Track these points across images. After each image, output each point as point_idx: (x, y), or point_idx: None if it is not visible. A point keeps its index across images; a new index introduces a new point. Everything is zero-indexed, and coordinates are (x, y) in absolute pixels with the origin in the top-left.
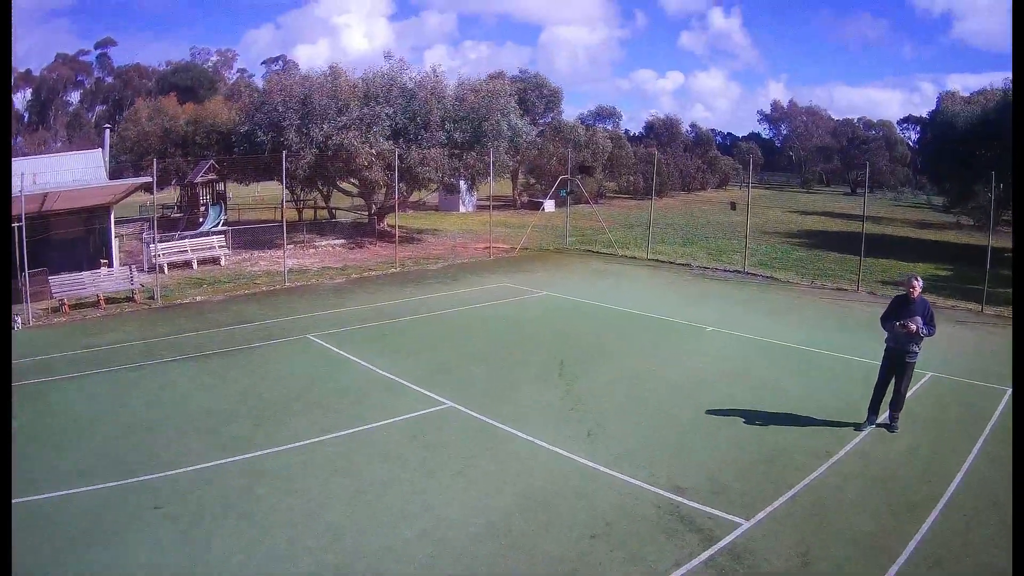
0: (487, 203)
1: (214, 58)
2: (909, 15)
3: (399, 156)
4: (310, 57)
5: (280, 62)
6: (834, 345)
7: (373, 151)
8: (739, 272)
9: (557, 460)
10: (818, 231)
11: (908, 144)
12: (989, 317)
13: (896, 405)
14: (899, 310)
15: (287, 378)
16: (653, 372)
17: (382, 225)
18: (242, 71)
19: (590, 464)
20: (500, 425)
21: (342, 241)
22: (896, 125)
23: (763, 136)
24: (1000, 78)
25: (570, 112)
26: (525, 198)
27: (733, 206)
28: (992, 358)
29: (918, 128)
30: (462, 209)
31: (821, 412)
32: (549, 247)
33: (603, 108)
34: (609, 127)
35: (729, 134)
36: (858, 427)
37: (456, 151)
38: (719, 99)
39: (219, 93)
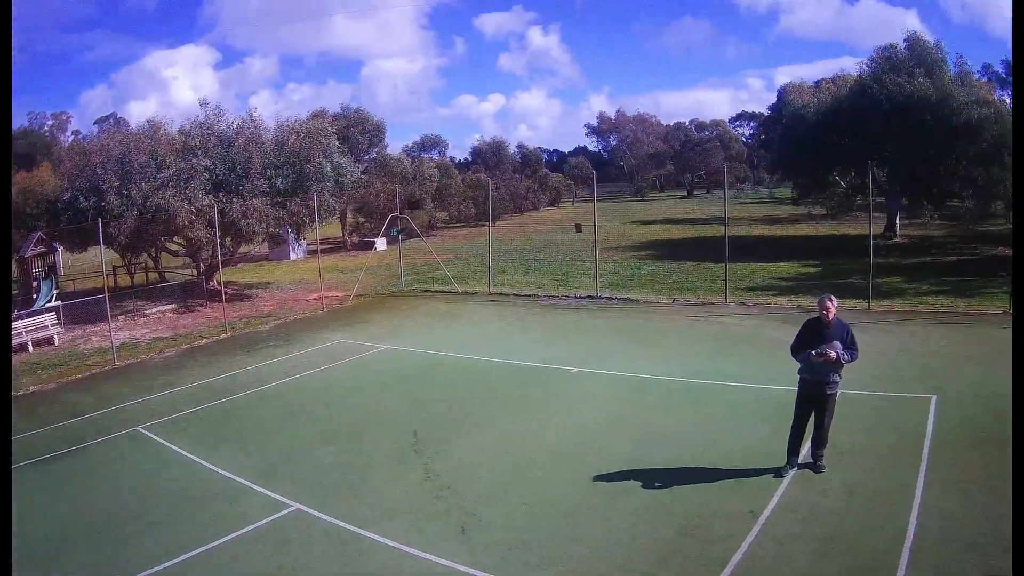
0: (321, 247)
1: (49, 122)
2: (732, 14)
3: (220, 211)
4: (142, 113)
5: (111, 120)
6: (722, 372)
7: (192, 208)
8: (592, 297)
9: (431, 572)
10: (663, 241)
11: (743, 141)
12: (879, 314)
13: (820, 442)
14: (813, 337)
15: (120, 489)
16: (522, 434)
17: (211, 284)
18: (76, 133)
19: (471, 572)
20: (357, 530)
21: (172, 306)
22: (729, 124)
23: (590, 149)
24: (830, 65)
25: (395, 145)
26: (356, 238)
27: (578, 228)
28: (903, 361)
29: (752, 124)
30: (292, 257)
31: (730, 460)
32: (385, 291)
33: (428, 138)
34: (435, 156)
35: (556, 151)
36: (778, 473)
37: (279, 199)
38: (542, 117)
39: (53, 157)
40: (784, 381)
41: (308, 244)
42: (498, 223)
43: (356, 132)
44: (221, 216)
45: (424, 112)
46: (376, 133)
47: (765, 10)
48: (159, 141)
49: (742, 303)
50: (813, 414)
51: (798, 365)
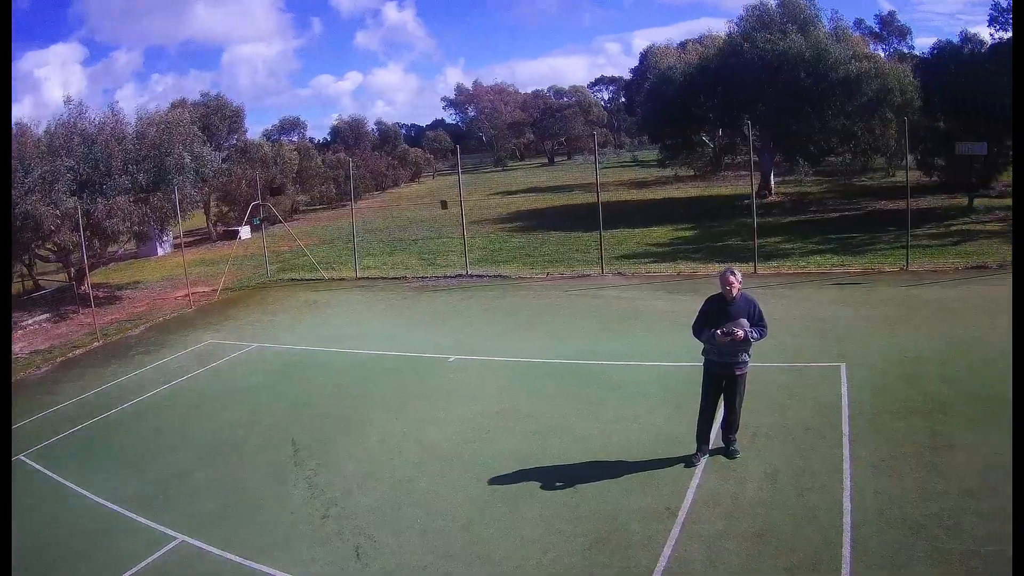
0: (186, 239)
1: None
2: None
3: (85, 212)
4: (18, 117)
5: None
6: (610, 352)
7: (58, 212)
8: (461, 276)
9: None
10: (529, 211)
11: (603, 105)
12: (768, 278)
13: (731, 427)
14: (716, 315)
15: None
16: (405, 436)
17: (82, 289)
18: None
19: None
20: (248, 563)
21: (47, 315)
22: (588, 89)
23: (448, 122)
24: (691, 27)
25: (255, 130)
26: (221, 228)
27: (444, 205)
28: (803, 328)
29: (611, 88)
30: (160, 252)
31: (633, 450)
32: (251, 283)
33: (286, 120)
34: (295, 139)
35: (414, 125)
36: (689, 462)
37: (142, 195)
38: (399, 93)
39: None
40: (677, 357)
41: (175, 238)
42: (360, 203)
43: (216, 119)
44: (86, 218)
45: (284, 95)
46: (235, 119)
47: None
48: (26, 144)
49: (619, 273)
50: (722, 397)
51: (699, 345)
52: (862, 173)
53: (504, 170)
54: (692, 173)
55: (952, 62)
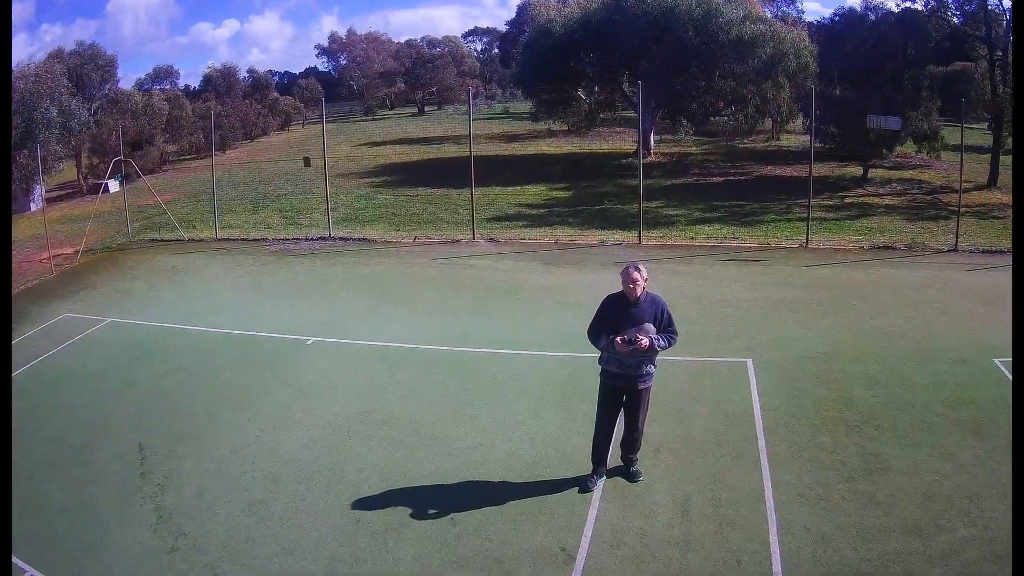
0: (55, 195)
1: None
2: None
3: None
4: None
5: None
6: (487, 336)
7: None
8: (324, 239)
9: None
10: (397, 164)
11: (476, 56)
12: (654, 250)
13: (632, 446)
14: (617, 318)
15: None
16: (261, 442)
17: None
18: None
19: None
20: None
21: None
22: (461, 40)
23: (321, 70)
24: None
25: (131, 78)
26: (91, 181)
27: (307, 162)
28: (700, 314)
29: (485, 39)
30: (32, 208)
31: (518, 468)
32: (113, 243)
33: (160, 69)
34: (167, 87)
35: (287, 73)
36: (584, 486)
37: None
38: (274, 40)
39: None
40: (563, 345)
41: (46, 191)
42: (229, 152)
43: (89, 69)
44: None
45: (164, 42)
46: (108, 68)
47: None
48: None
49: (492, 239)
50: (622, 413)
51: (586, 342)
52: (746, 135)
53: (373, 119)
54: (566, 128)
55: (854, 29)
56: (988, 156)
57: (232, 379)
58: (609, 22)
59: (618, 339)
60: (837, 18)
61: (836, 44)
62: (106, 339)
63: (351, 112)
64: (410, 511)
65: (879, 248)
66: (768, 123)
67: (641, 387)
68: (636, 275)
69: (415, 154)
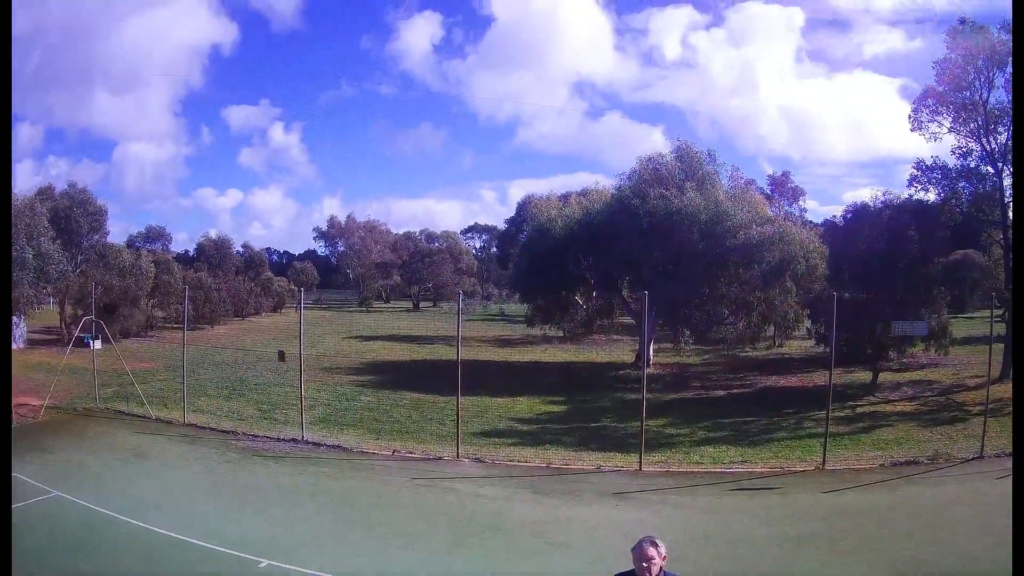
0: (39, 336)
1: None
2: (472, 124)
3: None
4: None
5: None
6: None
7: None
8: (296, 441)
9: None
10: (385, 362)
11: (474, 254)
12: (655, 477)
13: None
14: None
15: None
16: None
17: None
18: None
19: None
20: None
21: None
22: (460, 235)
23: (319, 253)
24: (567, 181)
25: (125, 233)
26: (75, 332)
27: (281, 356)
28: (715, 557)
29: (484, 236)
30: (13, 346)
31: None
32: (80, 407)
33: (152, 229)
34: (159, 248)
35: (286, 252)
36: None
37: None
38: (276, 216)
39: None
40: None
41: (29, 331)
42: (218, 328)
43: (78, 214)
44: None
45: (168, 200)
46: (97, 217)
47: (504, 122)
48: None
49: (477, 459)
50: None
51: None
52: (749, 343)
53: (368, 311)
54: (561, 334)
55: (866, 224)
56: (999, 347)
57: None
58: (611, 222)
59: None
60: (848, 215)
61: (846, 243)
62: (46, 514)
63: (346, 301)
64: None
65: (900, 464)
66: (770, 329)
67: None
68: (652, 552)
69: (405, 352)
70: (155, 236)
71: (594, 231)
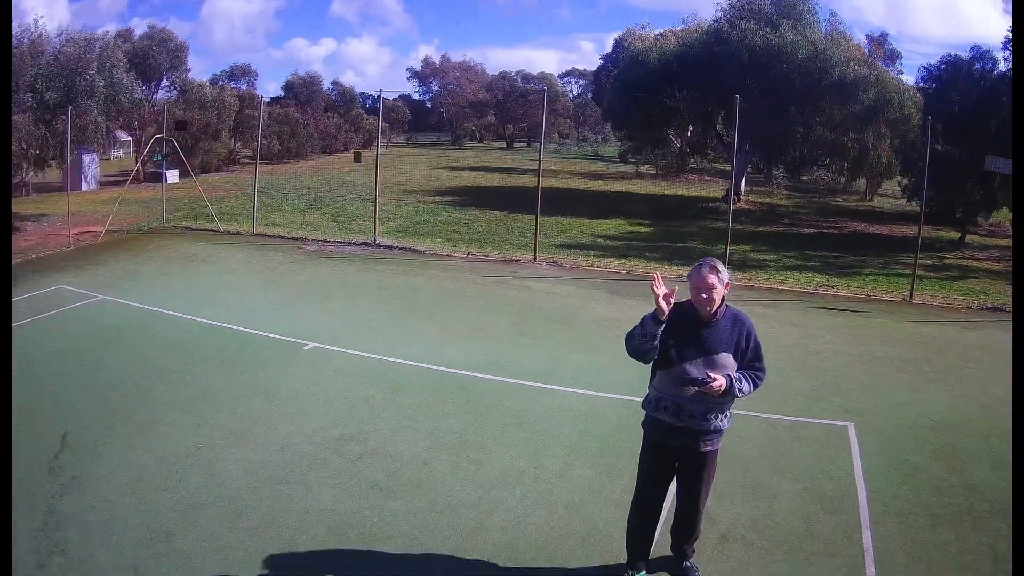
0: (114, 179)
1: None
2: None
3: None
4: None
5: None
6: (521, 366)
7: None
8: (368, 245)
9: None
10: (472, 187)
11: (570, 97)
12: (740, 290)
13: (688, 531)
14: (680, 342)
15: None
16: (197, 457)
17: None
18: None
19: None
20: None
21: None
22: (558, 79)
23: (414, 97)
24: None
25: (205, 73)
26: (151, 168)
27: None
28: (792, 365)
29: (581, 82)
30: (84, 188)
31: (524, 546)
32: (144, 226)
33: (237, 67)
34: (243, 87)
35: (379, 96)
36: None
37: (47, 116)
38: (370, 64)
39: None
40: (616, 386)
41: (102, 175)
42: (303, 162)
43: (158, 52)
44: None
45: (259, 52)
46: (177, 54)
47: None
48: None
49: (555, 263)
50: (676, 484)
51: (646, 372)
52: (839, 193)
53: (460, 149)
54: (654, 172)
55: (963, 79)
56: None
57: (202, 376)
58: (708, 55)
59: (680, 375)
60: (943, 66)
61: (940, 99)
62: (89, 315)
63: (439, 141)
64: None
65: (987, 309)
66: (862, 184)
67: (705, 448)
68: (712, 279)
69: (494, 180)
70: (240, 74)
71: (689, 63)
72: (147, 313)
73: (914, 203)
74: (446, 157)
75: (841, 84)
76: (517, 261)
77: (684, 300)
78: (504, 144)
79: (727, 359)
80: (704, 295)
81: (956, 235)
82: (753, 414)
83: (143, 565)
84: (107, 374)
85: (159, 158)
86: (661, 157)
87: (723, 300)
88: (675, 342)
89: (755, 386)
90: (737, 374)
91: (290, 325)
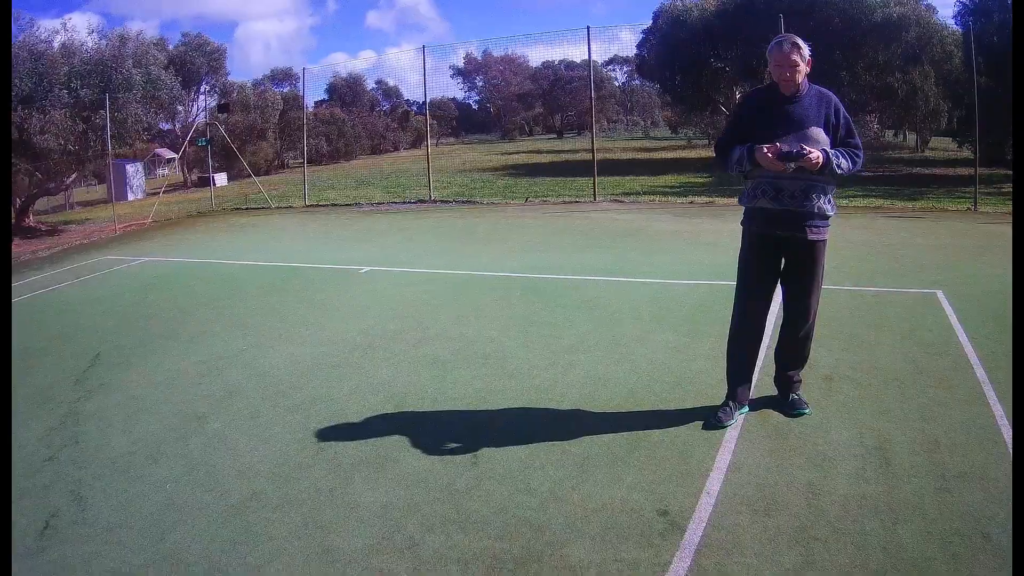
0: (160, 191)
1: None
2: None
3: (18, 127)
4: None
5: None
6: (588, 266)
7: None
8: (423, 202)
9: None
10: (527, 164)
11: (616, 83)
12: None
13: (796, 355)
14: (764, 122)
15: None
16: (240, 357)
17: (27, 221)
18: None
19: None
20: None
21: None
22: (602, 67)
23: (459, 100)
24: None
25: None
26: (195, 175)
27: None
28: (870, 253)
29: (626, 68)
30: (129, 197)
31: (605, 397)
32: (193, 212)
33: (277, 71)
34: (285, 90)
35: (422, 103)
36: (713, 422)
37: (84, 112)
38: (412, 72)
39: None
40: (694, 274)
41: (147, 188)
42: (352, 162)
43: (196, 56)
44: (19, 133)
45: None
46: (216, 57)
47: None
48: None
49: (617, 200)
50: (782, 289)
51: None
52: (890, 149)
53: (511, 142)
54: (706, 141)
55: (998, 10)
56: None
57: (250, 299)
58: (748, 7)
59: (766, 148)
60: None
61: (978, 29)
62: (131, 273)
63: (487, 138)
64: (411, 442)
65: None
66: (911, 140)
67: (812, 236)
68: (795, 56)
69: (548, 158)
70: (281, 77)
71: (729, 19)
72: (192, 264)
73: (965, 148)
74: (498, 148)
75: (884, 25)
76: (579, 202)
77: (761, 87)
78: (555, 135)
79: (819, 133)
80: (787, 72)
81: (1010, 172)
82: (838, 287)
83: (166, 446)
84: (148, 309)
85: (203, 142)
86: (711, 126)
87: (805, 75)
88: (763, 123)
89: (853, 164)
90: (833, 151)
91: (344, 257)
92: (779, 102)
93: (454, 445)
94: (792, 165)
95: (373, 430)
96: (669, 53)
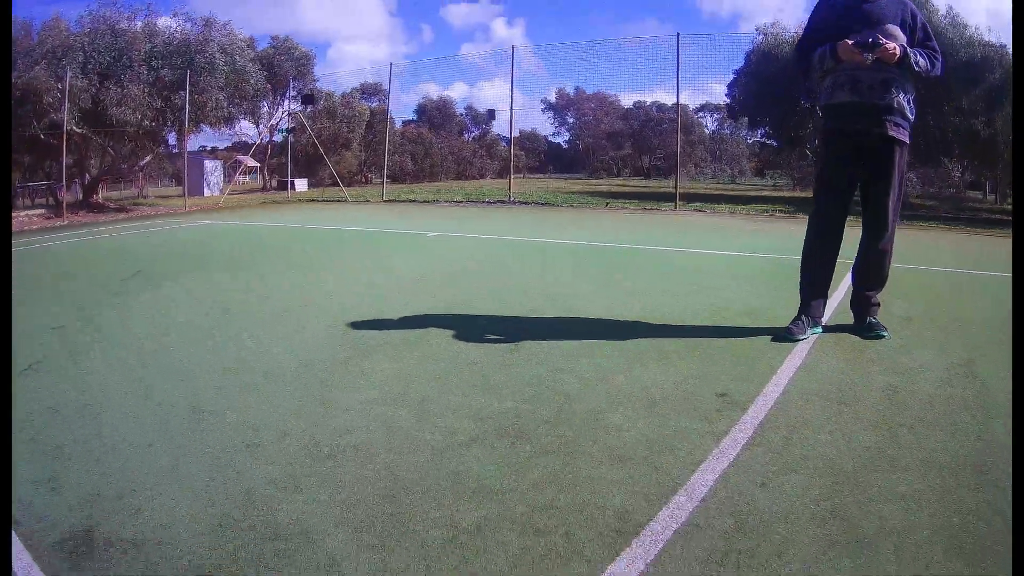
0: (236, 192)
1: None
2: (695, 18)
3: (94, 98)
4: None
5: None
6: (668, 241)
7: (59, 87)
8: (503, 202)
9: None
10: (611, 191)
11: (705, 128)
12: None
13: (875, 275)
14: (840, 23)
15: None
16: (294, 288)
17: (95, 198)
18: None
19: None
20: None
21: (43, 211)
22: (692, 112)
23: (551, 139)
24: None
25: (331, 86)
26: (275, 181)
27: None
28: (927, 247)
29: (716, 115)
30: (207, 192)
31: (665, 311)
32: (267, 201)
33: (367, 85)
34: (373, 104)
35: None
36: (783, 335)
37: (164, 92)
38: (504, 106)
39: None
40: (776, 249)
41: (229, 192)
42: (436, 183)
43: (283, 59)
44: (94, 104)
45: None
46: (303, 62)
47: (728, 15)
48: (55, 30)
49: (699, 210)
50: (861, 197)
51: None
52: (968, 200)
53: (597, 179)
54: (792, 183)
55: None
56: None
57: (312, 252)
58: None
59: (847, 41)
60: None
61: None
62: (204, 230)
63: (574, 174)
64: (449, 333)
65: None
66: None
67: (891, 133)
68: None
69: (629, 190)
70: (371, 91)
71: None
72: (267, 227)
73: None
74: (584, 181)
75: (968, 65)
76: (660, 210)
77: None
78: (643, 177)
79: (896, 30)
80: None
81: None
82: (914, 268)
83: (179, 351)
84: (216, 252)
85: (284, 132)
86: (797, 170)
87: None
88: (841, 22)
89: (931, 65)
90: (913, 50)
91: (415, 227)
92: (857, 2)
93: (496, 336)
94: (870, 56)
95: (407, 323)
96: (759, 88)
